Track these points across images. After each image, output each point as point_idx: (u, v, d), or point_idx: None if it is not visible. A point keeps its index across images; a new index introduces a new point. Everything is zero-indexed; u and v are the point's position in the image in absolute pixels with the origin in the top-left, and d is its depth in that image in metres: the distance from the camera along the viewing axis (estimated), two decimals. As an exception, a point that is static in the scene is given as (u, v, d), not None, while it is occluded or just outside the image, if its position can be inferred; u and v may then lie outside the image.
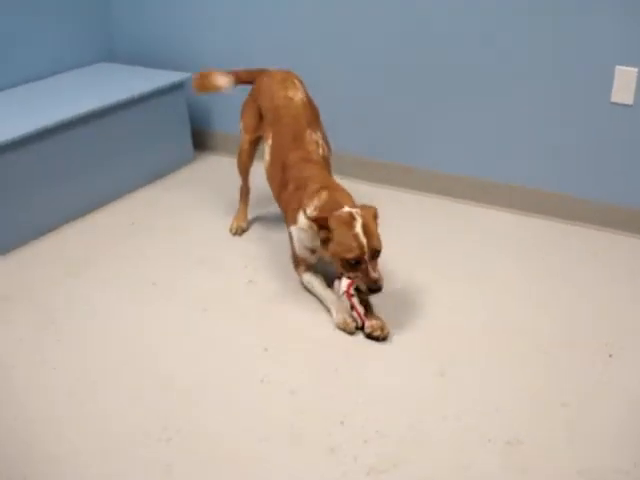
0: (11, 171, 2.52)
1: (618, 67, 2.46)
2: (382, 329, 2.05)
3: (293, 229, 2.23)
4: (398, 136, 2.95)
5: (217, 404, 1.84)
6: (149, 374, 1.94)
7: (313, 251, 2.21)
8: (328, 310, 2.17)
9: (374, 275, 1.99)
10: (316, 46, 2.95)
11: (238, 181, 2.68)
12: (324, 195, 2.13)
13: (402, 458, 1.66)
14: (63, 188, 2.72)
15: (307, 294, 2.27)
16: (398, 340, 2.06)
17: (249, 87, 2.58)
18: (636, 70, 2.43)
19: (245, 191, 2.69)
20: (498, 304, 2.23)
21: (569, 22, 2.49)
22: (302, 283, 2.29)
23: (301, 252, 2.25)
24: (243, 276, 2.39)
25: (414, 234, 2.65)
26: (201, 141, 3.40)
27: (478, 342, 2.06)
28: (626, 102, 2.49)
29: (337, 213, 2.04)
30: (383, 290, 2.01)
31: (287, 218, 2.29)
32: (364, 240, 1.99)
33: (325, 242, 2.05)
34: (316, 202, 2.12)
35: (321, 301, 2.21)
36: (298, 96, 2.40)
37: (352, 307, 2.07)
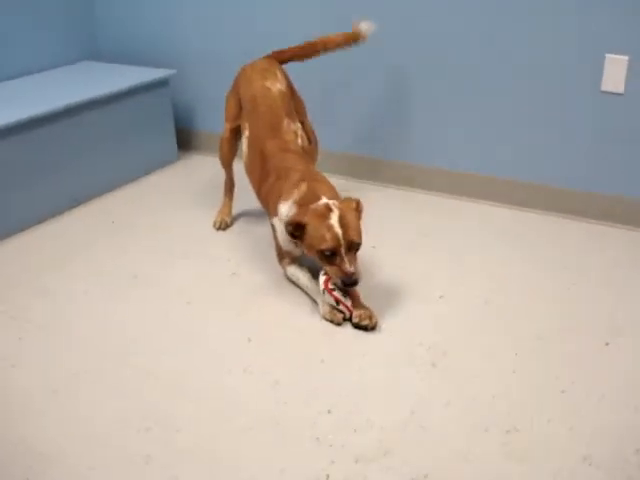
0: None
1: (608, 55, 2.42)
2: (370, 318, 1.97)
3: (275, 221, 2.16)
4: (391, 133, 2.89)
5: (198, 394, 1.75)
6: (130, 366, 1.86)
7: (297, 243, 2.13)
8: (314, 302, 2.09)
9: (348, 268, 1.91)
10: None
11: (222, 181, 2.63)
12: (303, 187, 2.06)
13: (393, 447, 1.57)
14: (42, 184, 2.64)
15: (292, 286, 2.19)
16: (387, 329, 1.98)
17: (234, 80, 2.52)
18: (627, 58, 2.39)
19: (229, 185, 2.63)
20: (491, 294, 2.15)
21: (557, 10, 2.45)
22: (286, 276, 2.22)
23: (284, 244, 2.17)
24: (227, 269, 2.31)
25: (406, 228, 2.59)
26: (185, 141, 3.34)
27: (471, 332, 1.99)
28: (617, 91, 2.44)
29: (313, 206, 1.97)
30: (361, 283, 1.93)
31: (269, 210, 2.22)
32: (339, 231, 1.91)
33: (300, 238, 1.99)
34: (295, 195, 2.06)
35: (307, 293, 2.13)
36: (276, 86, 2.35)
37: (337, 301, 1.99)
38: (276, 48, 2.52)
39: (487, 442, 1.59)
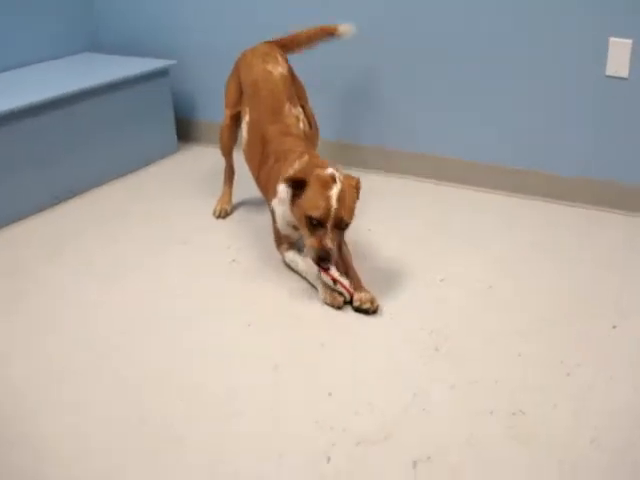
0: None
1: (612, 39, 2.39)
2: (372, 302, 1.93)
3: (275, 203, 2.12)
4: (386, 120, 2.86)
5: (195, 379, 1.71)
6: (123, 352, 1.82)
7: (295, 227, 2.09)
8: (314, 287, 2.05)
9: (327, 244, 1.86)
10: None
11: (222, 171, 2.60)
12: (305, 158, 2.03)
13: (395, 430, 1.53)
14: (39, 173, 2.61)
15: (292, 273, 2.16)
16: (389, 313, 1.95)
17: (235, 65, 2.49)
18: (630, 42, 2.36)
19: (229, 173, 2.60)
20: (495, 278, 2.12)
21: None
22: (284, 262, 2.18)
23: (283, 228, 2.14)
24: (226, 256, 2.27)
25: (405, 215, 2.55)
26: (185, 131, 3.31)
27: (474, 315, 1.95)
28: (621, 75, 2.41)
29: (319, 171, 1.93)
30: (361, 268, 1.89)
31: (268, 194, 2.18)
32: (334, 205, 1.87)
33: (295, 198, 1.94)
34: (297, 165, 2.01)
35: (305, 279, 2.10)
36: (278, 70, 2.32)
37: (335, 281, 1.96)
38: (273, 45, 2.48)
39: (492, 425, 1.55)
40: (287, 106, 2.24)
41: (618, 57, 2.39)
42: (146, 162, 3.05)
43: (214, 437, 1.53)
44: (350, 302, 1.96)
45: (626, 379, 1.69)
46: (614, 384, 1.67)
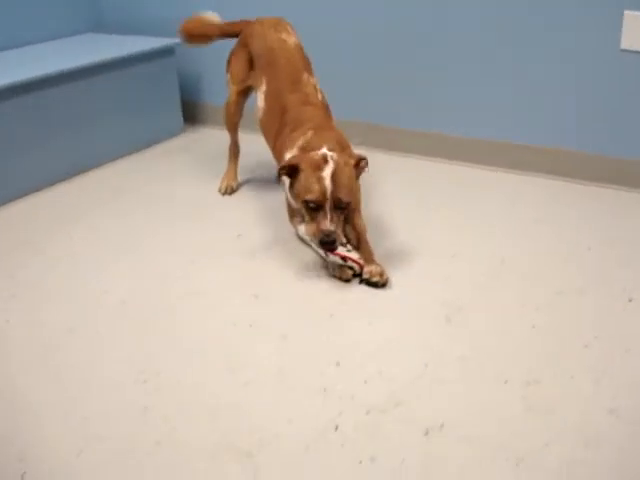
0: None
1: (627, 12, 2.33)
2: (381, 275, 1.88)
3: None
4: (397, 100, 2.81)
5: (199, 348, 1.67)
6: (129, 319, 1.79)
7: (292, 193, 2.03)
8: (324, 260, 2.00)
9: (326, 226, 1.80)
10: (312, 11, 2.82)
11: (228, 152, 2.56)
12: (309, 134, 1.98)
13: (406, 398, 1.49)
14: (43, 150, 2.57)
15: (300, 246, 2.11)
16: (398, 286, 1.90)
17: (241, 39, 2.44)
18: (646, 14, 2.31)
19: (234, 149, 2.55)
20: (507, 253, 2.06)
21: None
22: (297, 235, 2.13)
23: (294, 202, 2.09)
24: (233, 231, 2.23)
25: (414, 194, 2.50)
26: (191, 113, 3.27)
27: (487, 288, 1.90)
28: (636, 49, 2.35)
29: (311, 154, 1.88)
30: (372, 243, 1.84)
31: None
32: (328, 186, 1.81)
33: (292, 185, 1.90)
34: (300, 142, 1.98)
35: (317, 251, 2.04)
36: (292, 39, 2.27)
37: (343, 258, 1.91)
38: (286, 15, 2.44)
39: (506, 393, 1.50)
40: (305, 75, 2.19)
41: (633, 30, 2.34)
42: (152, 142, 3.01)
43: (216, 404, 1.49)
44: (360, 275, 1.91)
45: (645, 351, 1.63)
46: (633, 355, 1.62)
